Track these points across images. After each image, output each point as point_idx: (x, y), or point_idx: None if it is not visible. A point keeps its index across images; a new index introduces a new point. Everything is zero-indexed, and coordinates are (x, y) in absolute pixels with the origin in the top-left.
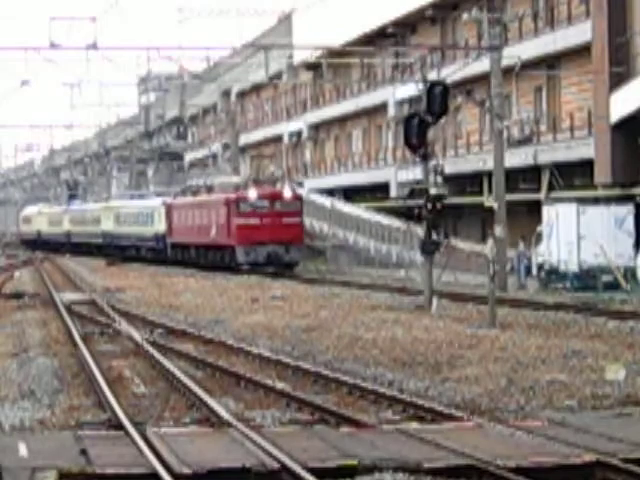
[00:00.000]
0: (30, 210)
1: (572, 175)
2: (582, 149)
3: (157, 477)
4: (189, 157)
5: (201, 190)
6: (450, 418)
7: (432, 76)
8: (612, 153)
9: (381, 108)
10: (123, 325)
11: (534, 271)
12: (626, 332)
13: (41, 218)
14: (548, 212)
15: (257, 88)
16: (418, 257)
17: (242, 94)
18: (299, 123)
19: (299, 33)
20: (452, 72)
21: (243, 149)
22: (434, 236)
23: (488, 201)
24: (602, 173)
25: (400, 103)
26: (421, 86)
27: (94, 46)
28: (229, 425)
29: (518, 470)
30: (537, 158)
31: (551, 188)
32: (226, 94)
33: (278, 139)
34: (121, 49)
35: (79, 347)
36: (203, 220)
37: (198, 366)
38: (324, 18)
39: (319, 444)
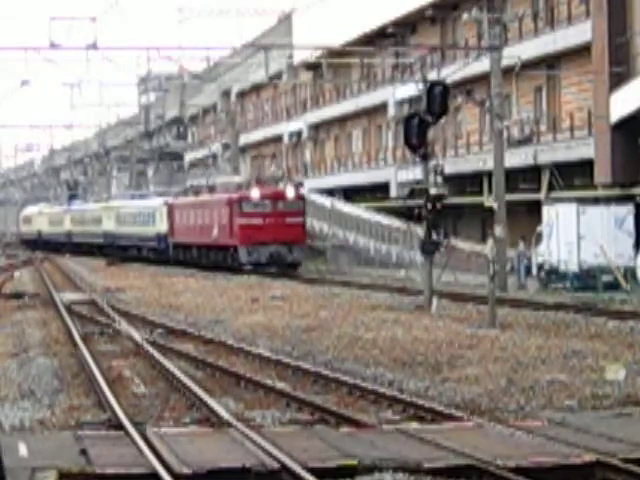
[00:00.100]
0: (31, 210)
1: (572, 175)
2: (582, 149)
3: (157, 477)
4: (189, 157)
5: (203, 190)
6: (450, 418)
7: (432, 76)
8: (612, 153)
9: (381, 108)
10: (123, 325)
11: (534, 271)
12: (626, 332)
13: (42, 218)
14: (548, 212)
15: (257, 88)
16: (418, 257)
17: (242, 94)
18: (299, 123)
19: (299, 33)
20: (452, 72)
21: (243, 149)
22: (434, 236)
23: (488, 201)
24: (602, 173)
25: (400, 103)
26: (421, 86)
27: (94, 46)
28: (229, 425)
29: (518, 470)
30: (537, 158)
31: (551, 188)
32: (226, 94)
33: (278, 139)
34: (121, 49)
35: (79, 347)
36: (205, 220)
37: (198, 366)
38: (324, 18)
39: (319, 444)
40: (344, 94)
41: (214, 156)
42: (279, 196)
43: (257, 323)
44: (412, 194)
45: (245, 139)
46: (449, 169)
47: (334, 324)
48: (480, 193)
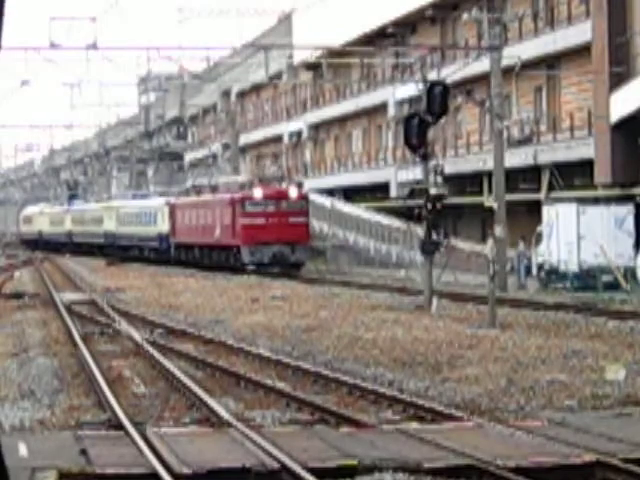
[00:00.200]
0: (31, 210)
1: (572, 175)
2: (582, 149)
3: (157, 477)
4: (189, 157)
5: (205, 190)
6: (450, 418)
7: (432, 76)
8: (612, 153)
9: (381, 108)
10: (123, 325)
11: (534, 271)
12: (626, 332)
13: (42, 218)
14: (548, 212)
15: (257, 88)
16: (418, 257)
17: (242, 94)
18: (299, 123)
19: (299, 33)
20: (452, 72)
21: (243, 149)
22: (434, 236)
23: (488, 201)
24: (602, 173)
25: (400, 103)
26: (421, 86)
27: (94, 46)
28: (229, 425)
29: (518, 470)
30: (537, 158)
31: (551, 188)
32: (226, 94)
33: (278, 139)
34: (121, 49)
35: (79, 347)
36: (208, 220)
37: (198, 366)
38: (324, 18)
39: (319, 444)
40: (344, 94)
41: (214, 156)
42: (282, 196)
43: (257, 323)
44: (412, 194)
45: (245, 139)
46: (449, 169)
47: (334, 324)
48: (480, 193)
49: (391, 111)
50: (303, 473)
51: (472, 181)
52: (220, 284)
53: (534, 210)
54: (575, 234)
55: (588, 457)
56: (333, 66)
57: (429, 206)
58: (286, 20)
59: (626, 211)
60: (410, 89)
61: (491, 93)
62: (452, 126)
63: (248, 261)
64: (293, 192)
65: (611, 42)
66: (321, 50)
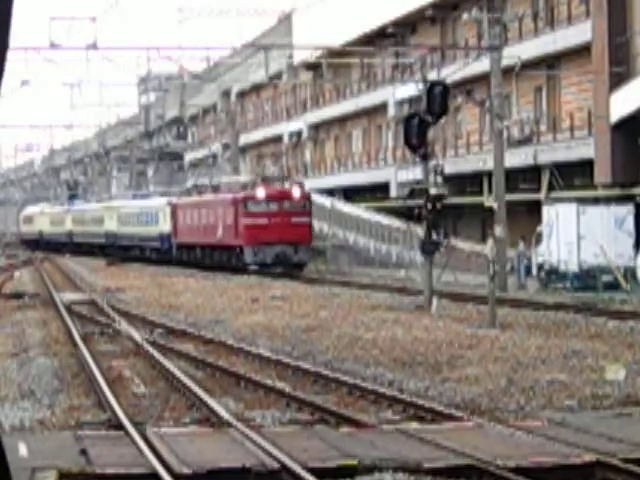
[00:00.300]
0: (32, 210)
1: (572, 175)
2: (582, 149)
3: (157, 477)
4: (189, 157)
5: (207, 189)
6: (450, 418)
7: (432, 76)
8: (612, 153)
9: (381, 108)
10: (123, 325)
11: (534, 271)
12: (626, 332)
13: (43, 218)
14: (548, 212)
15: (257, 88)
16: (418, 257)
17: (242, 94)
18: (299, 123)
19: (299, 33)
20: (452, 72)
21: (243, 149)
22: (434, 236)
23: (488, 201)
24: (602, 173)
25: (400, 103)
26: (421, 86)
27: (94, 46)
28: (229, 425)
29: (518, 470)
30: (537, 158)
31: (551, 188)
32: (226, 94)
33: (278, 139)
34: (121, 49)
35: (79, 347)
36: (210, 220)
37: (198, 366)
38: (324, 18)
39: (319, 444)
40: (344, 94)
41: (214, 156)
42: (285, 196)
43: (257, 323)
44: (412, 194)
45: (245, 139)
46: (449, 169)
47: (334, 324)
48: (480, 193)
49: (391, 111)
50: (303, 473)
51: (472, 181)
52: (220, 284)
53: (534, 210)
54: (575, 234)
55: (588, 457)
56: (333, 66)
57: (429, 206)
58: (286, 20)
59: (626, 211)
60: (410, 89)
61: (491, 93)
62: (452, 126)
63: (251, 261)
64: (296, 192)
65: (611, 42)
66: (321, 50)
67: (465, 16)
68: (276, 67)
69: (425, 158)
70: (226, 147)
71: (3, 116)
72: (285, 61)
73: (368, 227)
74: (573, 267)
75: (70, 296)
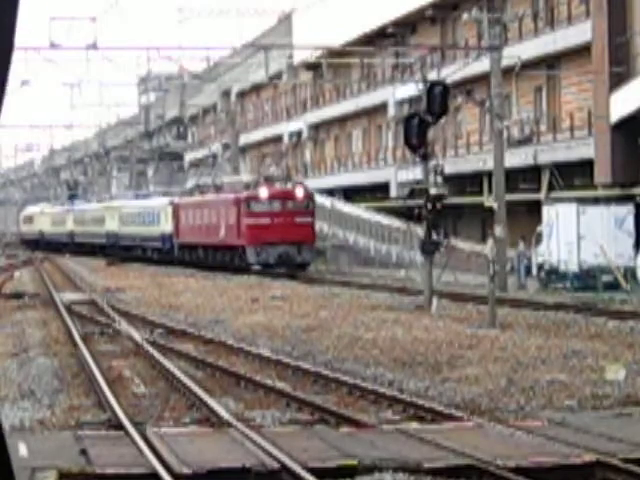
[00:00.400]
0: (32, 210)
1: (572, 175)
2: (582, 149)
3: (157, 477)
4: (189, 157)
5: (209, 189)
6: (450, 418)
7: (432, 76)
8: (612, 153)
9: (381, 108)
10: (123, 325)
11: (534, 271)
12: (626, 332)
13: (44, 218)
14: (548, 212)
15: (257, 88)
16: (418, 257)
17: (242, 94)
18: (299, 123)
19: (299, 33)
20: (452, 72)
21: (243, 149)
22: (434, 236)
23: (488, 201)
24: (602, 173)
25: (400, 103)
26: (421, 86)
27: (94, 46)
28: (229, 425)
29: (518, 470)
30: (537, 158)
31: (551, 188)
32: (226, 94)
33: (278, 139)
34: (121, 49)
35: (79, 347)
36: (212, 220)
37: (198, 366)
38: (324, 18)
39: (319, 444)
40: (344, 94)
41: (214, 156)
42: (288, 195)
43: (257, 323)
44: (412, 194)
45: (245, 139)
46: (449, 169)
47: (334, 324)
48: (480, 193)
49: (391, 111)
50: (303, 473)
51: (472, 181)
52: (220, 284)
53: (534, 210)
54: (575, 234)
55: (588, 457)
56: (333, 66)
57: (429, 206)
58: (286, 20)
59: (626, 211)
60: (410, 89)
61: (491, 93)
62: (452, 126)
63: (253, 262)
64: (299, 192)
65: (611, 42)
66: (321, 50)
67: (465, 16)
68: (276, 67)
69: (425, 158)
70: (226, 147)
71: (3, 116)
72: (285, 61)
73: (368, 227)
74: (573, 267)
75: (70, 296)
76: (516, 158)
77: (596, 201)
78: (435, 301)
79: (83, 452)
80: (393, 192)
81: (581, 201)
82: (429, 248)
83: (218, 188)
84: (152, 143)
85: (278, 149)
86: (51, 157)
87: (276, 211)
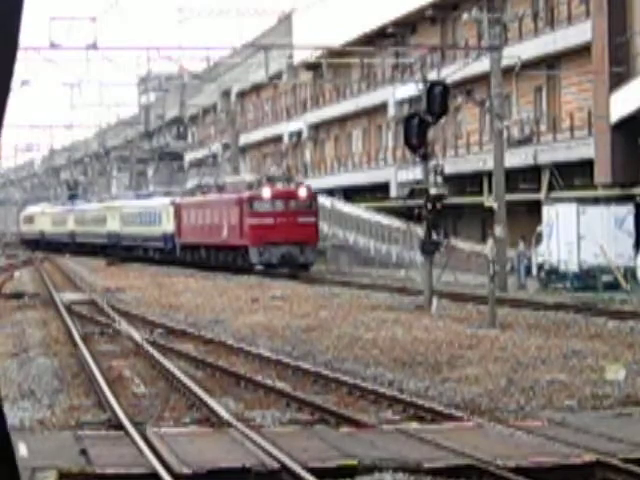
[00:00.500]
0: (33, 210)
1: (572, 175)
2: (582, 149)
3: (157, 477)
4: (189, 157)
5: (211, 189)
6: (450, 418)
7: (432, 76)
8: (612, 153)
9: (381, 108)
10: (123, 325)
11: (534, 271)
12: (626, 332)
13: (44, 218)
14: (548, 212)
15: (257, 88)
16: (418, 257)
17: (242, 94)
18: (299, 123)
19: (299, 33)
20: (452, 72)
21: (243, 149)
22: (434, 236)
23: (488, 201)
24: (602, 173)
25: (400, 103)
26: (421, 86)
27: (94, 46)
28: (229, 425)
29: (518, 470)
30: (537, 158)
31: (551, 188)
32: (226, 94)
33: (278, 139)
34: (121, 49)
35: (79, 347)
36: (215, 220)
37: (198, 366)
38: (324, 18)
39: (319, 444)
40: (344, 94)
41: (214, 156)
42: (291, 195)
43: (257, 323)
44: (412, 194)
45: (245, 139)
46: (449, 169)
47: (334, 324)
48: (480, 193)
49: (391, 111)
50: (303, 473)
51: (472, 181)
52: (220, 284)
53: (534, 210)
54: (575, 234)
55: (588, 457)
56: (333, 66)
57: (429, 206)
58: (286, 20)
59: (626, 211)
60: (410, 89)
61: (491, 93)
62: (452, 126)
63: (256, 262)
64: (302, 191)
65: (611, 42)
66: (321, 50)
67: (465, 16)
68: (276, 67)
69: (425, 158)
70: (226, 147)
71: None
72: (285, 61)
73: (368, 227)
74: (573, 267)
75: (70, 296)
76: (516, 158)
77: (596, 201)
78: (435, 301)
79: (83, 452)
80: (393, 192)
81: (581, 201)
82: (429, 248)
83: (220, 188)
84: (152, 143)
85: (279, 149)
86: (51, 157)
87: (279, 211)
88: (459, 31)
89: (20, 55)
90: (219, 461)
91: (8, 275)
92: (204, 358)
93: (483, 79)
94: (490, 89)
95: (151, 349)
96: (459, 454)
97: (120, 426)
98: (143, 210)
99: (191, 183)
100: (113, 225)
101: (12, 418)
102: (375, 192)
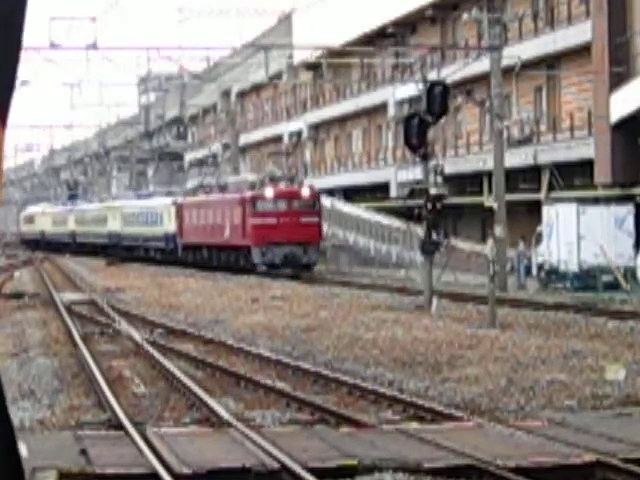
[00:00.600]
0: (33, 210)
1: (572, 175)
2: (582, 149)
3: (157, 477)
4: (189, 157)
5: (214, 189)
6: (450, 418)
7: (432, 76)
8: (612, 153)
9: (381, 108)
10: (123, 325)
11: (534, 271)
12: (626, 332)
13: (45, 218)
14: (548, 212)
15: (257, 88)
16: (418, 257)
17: (242, 94)
18: (299, 123)
19: (299, 33)
20: (452, 72)
21: (243, 149)
22: (434, 236)
23: (488, 201)
24: (602, 173)
25: (400, 103)
26: (421, 86)
27: (94, 46)
28: (229, 425)
29: (518, 470)
30: (537, 158)
31: (551, 188)
32: (226, 94)
33: (278, 139)
34: (121, 49)
35: (79, 347)
36: (217, 220)
37: (198, 366)
38: (324, 18)
39: (319, 444)
40: (344, 94)
41: (214, 156)
42: (294, 195)
43: (257, 323)
44: (412, 194)
45: (245, 139)
46: (449, 169)
47: (334, 324)
48: (480, 193)
49: (391, 111)
50: (303, 473)
51: (472, 181)
52: (220, 284)
53: (534, 210)
54: (575, 234)
55: (588, 457)
56: (333, 66)
57: (429, 206)
58: (286, 20)
59: (626, 211)
60: (410, 89)
61: (491, 93)
62: (452, 126)
63: (259, 262)
64: (305, 191)
65: (611, 42)
66: (321, 50)
67: (465, 16)
68: (276, 67)
69: (425, 158)
70: (226, 147)
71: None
72: (285, 61)
73: (368, 227)
74: (573, 267)
75: (70, 296)
76: (516, 158)
77: (596, 201)
78: (435, 301)
79: (83, 452)
80: (393, 192)
81: (581, 201)
82: (429, 248)
83: (222, 188)
84: (152, 143)
85: (280, 149)
86: (51, 157)
87: (282, 211)
88: (459, 31)
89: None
90: (219, 461)
91: (8, 275)
92: (204, 358)
93: (483, 79)
94: (490, 89)
95: (151, 349)
96: (459, 454)
97: (120, 426)
98: (144, 210)
99: (191, 183)
100: (114, 225)
101: (12, 418)
102: (375, 192)
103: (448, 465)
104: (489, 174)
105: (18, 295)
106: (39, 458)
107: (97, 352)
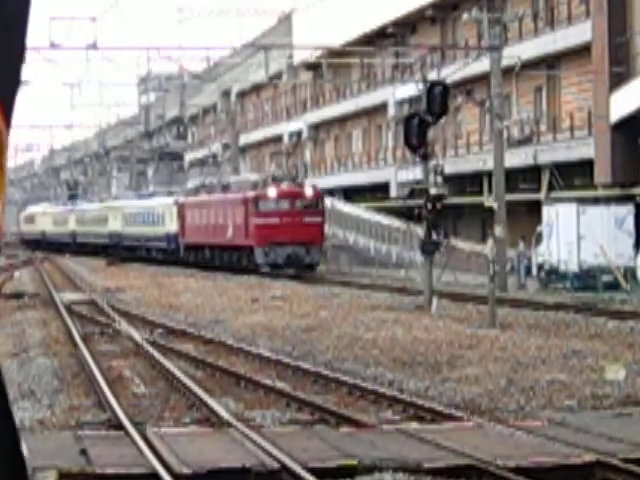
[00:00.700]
0: (34, 210)
1: (572, 175)
2: (582, 149)
3: (157, 477)
4: (189, 157)
5: (216, 189)
6: (450, 418)
7: (432, 76)
8: (612, 153)
9: (381, 108)
10: (123, 325)
11: (534, 271)
12: (626, 332)
13: (45, 218)
14: (548, 212)
15: (257, 88)
16: (418, 257)
17: (242, 94)
18: (299, 123)
19: (299, 33)
20: (452, 72)
21: (243, 149)
22: (434, 236)
23: (488, 201)
24: (602, 173)
25: (400, 103)
26: (421, 86)
27: (94, 46)
28: (229, 425)
29: (518, 470)
30: (537, 158)
31: (551, 188)
32: (226, 94)
33: (278, 139)
34: (121, 49)
35: (79, 347)
36: (219, 220)
37: (198, 366)
38: (324, 18)
39: (319, 444)
40: (344, 94)
41: (214, 156)
42: (297, 195)
43: (257, 323)
44: (412, 194)
45: (245, 139)
46: (449, 169)
47: (334, 324)
48: (480, 193)
49: (391, 111)
50: (303, 473)
51: (472, 181)
52: (220, 284)
53: (534, 210)
54: (575, 234)
55: (588, 457)
56: (333, 66)
57: (429, 206)
58: (286, 20)
59: (626, 211)
60: (410, 89)
61: (491, 93)
62: (452, 126)
63: (262, 262)
64: (308, 191)
65: (611, 42)
66: (321, 50)
67: (465, 16)
68: (276, 67)
69: (425, 158)
70: (226, 147)
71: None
72: (285, 61)
73: (368, 227)
74: (573, 267)
75: (70, 296)
76: (516, 158)
77: (596, 201)
78: (435, 301)
79: (83, 452)
80: (393, 192)
81: (581, 201)
82: (429, 248)
83: (225, 188)
84: (152, 143)
85: (280, 149)
86: (51, 157)
87: (285, 211)
88: (459, 31)
89: None
90: (219, 461)
91: (8, 275)
92: (204, 358)
93: (483, 79)
94: (490, 89)
95: (151, 349)
96: (459, 454)
97: (120, 426)
98: (146, 210)
99: (192, 183)
100: (115, 225)
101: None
102: (375, 192)
103: (448, 465)
104: (489, 174)
105: (18, 295)
106: (39, 458)
107: (97, 352)
